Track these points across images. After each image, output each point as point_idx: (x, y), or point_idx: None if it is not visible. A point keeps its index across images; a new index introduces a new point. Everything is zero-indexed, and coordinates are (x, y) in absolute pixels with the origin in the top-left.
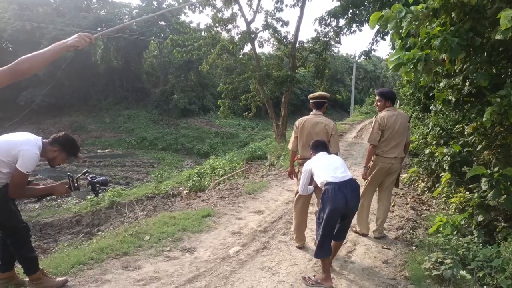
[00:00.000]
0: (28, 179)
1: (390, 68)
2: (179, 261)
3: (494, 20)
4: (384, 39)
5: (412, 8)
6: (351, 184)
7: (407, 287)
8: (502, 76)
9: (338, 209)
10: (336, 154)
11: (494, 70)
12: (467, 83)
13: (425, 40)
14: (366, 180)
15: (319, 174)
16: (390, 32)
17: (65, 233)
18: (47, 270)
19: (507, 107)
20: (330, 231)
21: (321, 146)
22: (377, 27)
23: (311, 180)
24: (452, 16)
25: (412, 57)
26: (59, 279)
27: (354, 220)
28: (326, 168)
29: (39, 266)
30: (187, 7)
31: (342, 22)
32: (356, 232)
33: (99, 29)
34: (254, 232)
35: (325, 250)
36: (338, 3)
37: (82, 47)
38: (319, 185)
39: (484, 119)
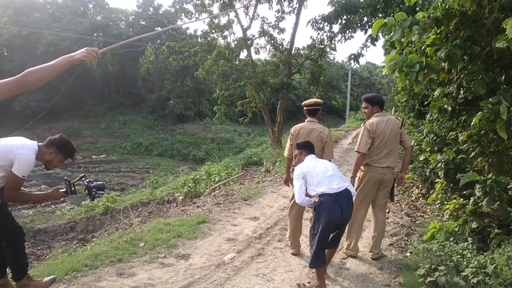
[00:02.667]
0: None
1: (386, 69)
2: (173, 268)
3: (492, 29)
4: (374, 45)
5: (416, 17)
6: (346, 195)
7: None
8: (498, 82)
9: (334, 220)
10: (330, 161)
11: (489, 78)
12: (462, 91)
13: (422, 49)
14: (358, 192)
15: (313, 183)
16: (383, 38)
17: (59, 240)
18: (33, 274)
19: (497, 114)
20: (325, 241)
21: (308, 146)
22: (369, 31)
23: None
24: (449, 25)
25: (410, 63)
26: (46, 279)
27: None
28: (321, 177)
29: (27, 272)
30: (183, 14)
31: (335, 28)
32: (344, 253)
33: (95, 34)
34: (249, 238)
35: (320, 260)
36: (332, 8)
37: (89, 61)
38: (312, 195)
39: (472, 123)
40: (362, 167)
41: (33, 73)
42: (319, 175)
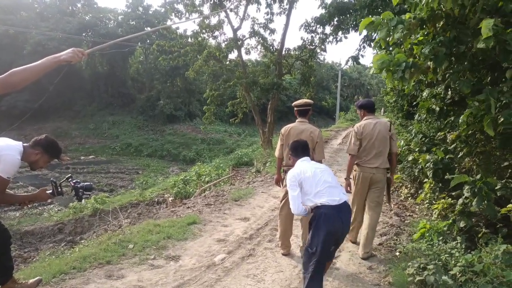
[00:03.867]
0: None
1: (374, 68)
2: (163, 269)
3: (476, 30)
4: (370, 46)
5: (402, 17)
6: (347, 207)
7: None
8: (483, 82)
9: (334, 232)
10: (321, 161)
11: (475, 78)
12: (449, 92)
13: (409, 49)
14: (353, 191)
15: (311, 192)
16: (376, 39)
17: (46, 242)
18: (19, 277)
19: (484, 112)
20: (323, 262)
21: (301, 148)
22: (364, 32)
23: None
24: (436, 26)
25: (396, 62)
26: (32, 280)
27: None
28: (321, 186)
29: (12, 275)
30: (173, 14)
31: (327, 29)
32: None
33: (83, 34)
34: (239, 239)
35: (319, 284)
36: (324, 11)
37: (75, 62)
38: (308, 206)
39: (460, 121)
40: (355, 167)
41: (17, 73)
42: (319, 185)
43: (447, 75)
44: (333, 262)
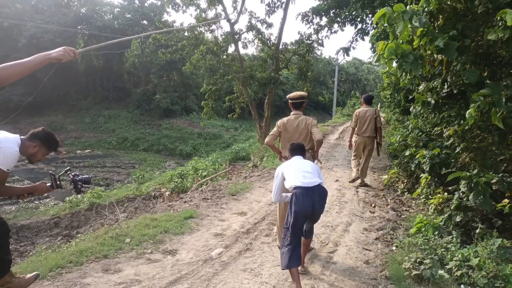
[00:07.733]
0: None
1: (385, 55)
2: (160, 263)
3: (481, 23)
4: (363, 39)
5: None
6: (319, 190)
7: (387, 287)
8: (482, 76)
9: (304, 212)
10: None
11: (479, 70)
12: (446, 86)
13: (406, 41)
14: (353, 149)
15: (289, 178)
16: (371, 32)
17: (43, 236)
18: (16, 271)
19: (491, 106)
20: (297, 236)
21: (297, 149)
22: (359, 25)
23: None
24: (439, 20)
25: (403, 53)
26: (29, 275)
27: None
28: (296, 172)
29: (10, 269)
30: (170, 6)
31: (324, 20)
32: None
33: (79, 27)
34: (237, 233)
35: (292, 261)
36: (321, 2)
37: (66, 60)
38: (288, 189)
39: (467, 116)
40: (355, 136)
41: (6, 68)
42: (296, 170)
43: (451, 68)
44: (330, 257)
